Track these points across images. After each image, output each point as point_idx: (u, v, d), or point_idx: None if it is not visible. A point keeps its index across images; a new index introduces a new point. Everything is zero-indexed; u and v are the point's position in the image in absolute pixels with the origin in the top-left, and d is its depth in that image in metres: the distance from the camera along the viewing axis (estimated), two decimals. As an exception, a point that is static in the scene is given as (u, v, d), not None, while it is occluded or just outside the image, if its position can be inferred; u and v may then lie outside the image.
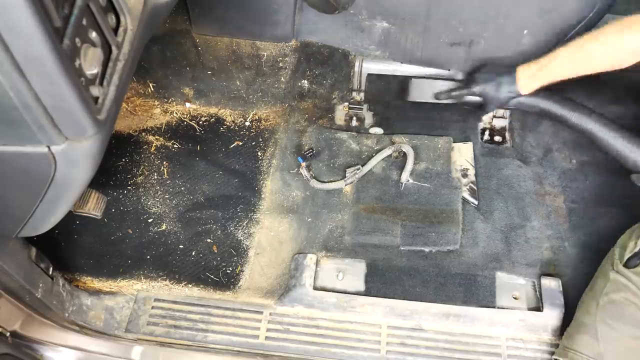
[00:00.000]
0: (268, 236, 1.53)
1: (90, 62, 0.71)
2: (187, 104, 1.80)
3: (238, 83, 1.78)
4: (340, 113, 1.77)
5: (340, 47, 1.73)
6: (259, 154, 1.70)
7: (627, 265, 1.19)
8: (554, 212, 1.55)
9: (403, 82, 1.71)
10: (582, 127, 1.36)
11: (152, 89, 1.79)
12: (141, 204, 1.57)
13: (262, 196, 1.60)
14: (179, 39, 1.71)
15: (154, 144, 1.70)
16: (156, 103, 1.80)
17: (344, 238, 1.49)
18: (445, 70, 1.73)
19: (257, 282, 1.45)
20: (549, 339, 1.35)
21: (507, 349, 1.34)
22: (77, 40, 0.68)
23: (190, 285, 1.43)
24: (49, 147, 0.75)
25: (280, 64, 1.75)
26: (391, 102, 1.76)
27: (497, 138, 1.71)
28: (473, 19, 1.55)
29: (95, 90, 0.74)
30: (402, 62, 1.74)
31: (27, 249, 1.18)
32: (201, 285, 1.43)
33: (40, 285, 1.20)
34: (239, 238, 1.52)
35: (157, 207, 1.57)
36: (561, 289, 1.38)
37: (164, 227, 1.53)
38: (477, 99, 1.49)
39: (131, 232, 1.52)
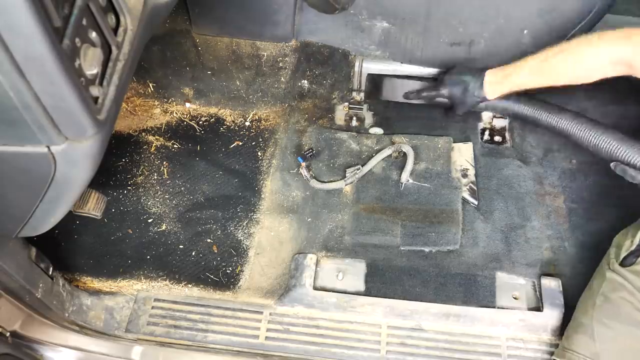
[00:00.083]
0: (268, 236, 1.53)
1: (90, 62, 0.71)
2: (187, 104, 1.80)
3: (238, 83, 1.78)
4: (340, 113, 1.77)
5: (340, 47, 1.73)
6: (259, 154, 1.70)
7: (623, 263, 1.19)
8: (554, 212, 1.55)
9: (377, 81, 1.71)
10: (554, 126, 1.37)
11: (152, 89, 1.79)
12: (141, 204, 1.57)
13: (262, 196, 1.60)
14: (179, 39, 1.71)
15: (154, 144, 1.70)
16: (156, 103, 1.80)
17: (344, 238, 1.49)
18: (445, 70, 1.72)
19: (257, 282, 1.45)
20: (549, 339, 1.35)
21: (507, 349, 1.34)
22: (77, 40, 0.68)
23: (190, 285, 1.44)
24: (48, 147, 0.75)
25: (280, 64, 1.75)
26: (391, 102, 1.76)
27: (497, 138, 1.71)
28: (473, 19, 1.55)
29: (95, 90, 0.74)
30: (402, 62, 1.74)
31: (27, 249, 1.18)
32: (201, 285, 1.43)
33: (40, 285, 1.20)
34: (239, 238, 1.52)
35: (157, 207, 1.57)
36: (561, 289, 1.38)
37: (164, 227, 1.53)
38: (446, 100, 1.51)
39: (131, 232, 1.52)
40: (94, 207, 1.26)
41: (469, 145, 1.66)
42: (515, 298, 1.40)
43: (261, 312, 1.39)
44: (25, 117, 0.68)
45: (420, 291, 1.40)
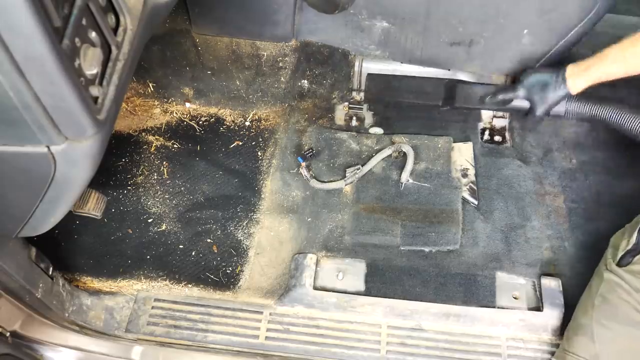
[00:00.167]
0: (268, 236, 1.53)
1: (90, 62, 0.71)
2: (187, 104, 1.80)
3: (238, 83, 1.78)
4: (340, 113, 1.77)
5: (340, 47, 1.73)
6: (259, 154, 1.70)
7: (619, 263, 1.19)
8: (554, 212, 1.55)
9: (450, 88, 1.68)
10: None
11: (152, 89, 1.79)
12: (141, 204, 1.57)
13: (262, 196, 1.60)
14: (179, 39, 1.71)
15: (154, 144, 1.70)
16: (156, 103, 1.80)
17: (344, 238, 1.49)
18: (446, 69, 1.73)
19: (257, 282, 1.45)
20: (549, 338, 1.35)
21: (507, 348, 1.34)
22: (76, 40, 0.68)
23: (190, 285, 1.43)
24: (48, 147, 0.75)
25: (280, 64, 1.75)
26: (391, 102, 1.76)
27: (497, 138, 1.71)
28: (473, 18, 1.55)
29: (95, 90, 0.74)
30: (402, 62, 1.74)
31: (27, 249, 1.18)
32: (201, 285, 1.43)
33: (40, 285, 1.20)
34: (239, 238, 1.52)
35: (157, 207, 1.57)
36: (561, 288, 1.38)
37: (164, 227, 1.53)
38: (524, 104, 1.45)
39: (131, 232, 1.52)
40: (94, 207, 1.26)
41: (469, 145, 1.66)
42: (515, 298, 1.40)
43: (261, 312, 1.39)
44: (25, 117, 0.68)
45: (420, 291, 1.40)
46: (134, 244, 1.50)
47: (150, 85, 1.78)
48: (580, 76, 1.31)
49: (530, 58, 1.61)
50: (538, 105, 1.41)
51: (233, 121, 1.78)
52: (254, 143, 1.72)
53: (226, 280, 1.44)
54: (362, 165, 1.58)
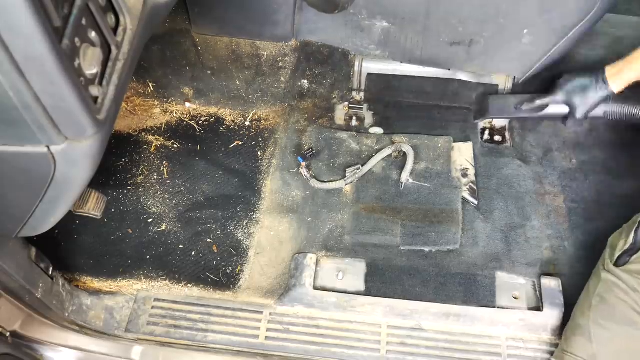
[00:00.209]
0: (268, 236, 1.53)
1: (90, 62, 0.71)
2: (187, 104, 1.80)
3: (238, 83, 1.78)
4: (340, 113, 1.77)
5: (340, 47, 1.73)
6: (259, 153, 1.70)
7: (617, 263, 1.19)
8: (554, 212, 1.55)
9: (481, 101, 1.69)
10: None
11: (152, 89, 1.79)
12: (141, 204, 1.57)
13: (262, 196, 1.60)
14: (179, 39, 1.71)
15: (154, 144, 1.70)
16: (156, 103, 1.80)
17: (344, 238, 1.49)
18: (446, 69, 1.73)
19: (257, 282, 1.45)
20: (549, 338, 1.35)
21: (507, 348, 1.34)
22: (76, 40, 0.68)
23: (190, 285, 1.43)
24: (48, 147, 0.75)
25: (280, 64, 1.75)
26: (391, 102, 1.76)
27: (497, 138, 1.71)
28: (473, 18, 1.55)
29: (94, 90, 0.74)
30: (402, 62, 1.74)
31: (27, 249, 1.18)
32: (201, 285, 1.43)
33: (40, 285, 1.20)
34: (239, 238, 1.52)
35: (157, 207, 1.57)
36: (561, 288, 1.38)
37: (164, 227, 1.53)
38: (561, 109, 1.44)
39: (131, 232, 1.52)
40: (94, 207, 1.26)
41: (469, 144, 1.65)
42: (515, 298, 1.40)
43: (261, 312, 1.39)
44: (25, 117, 0.68)
45: (420, 291, 1.40)
46: (134, 244, 1.50)
47: (150, 85, 1.78)
48: (620, 73, 1.31)
49: (530, 58, 1.61)
50: (579, 107, 1.40)
51: (233, 121, 1.78)
52: (254, 143, 1.72)
53: (226, 280, 1.44)
54: (362, 165, 1.58)
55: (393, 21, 1.61)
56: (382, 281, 1.41)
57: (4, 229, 0.99)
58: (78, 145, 0.76)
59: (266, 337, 1.36)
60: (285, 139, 1.71)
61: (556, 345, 1.31)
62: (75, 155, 0.77)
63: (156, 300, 1.41)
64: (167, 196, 1.59)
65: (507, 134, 1.71)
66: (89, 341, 1.32)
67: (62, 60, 0.63)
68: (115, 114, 0.83)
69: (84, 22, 0.70)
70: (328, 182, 1.58)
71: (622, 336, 1.14)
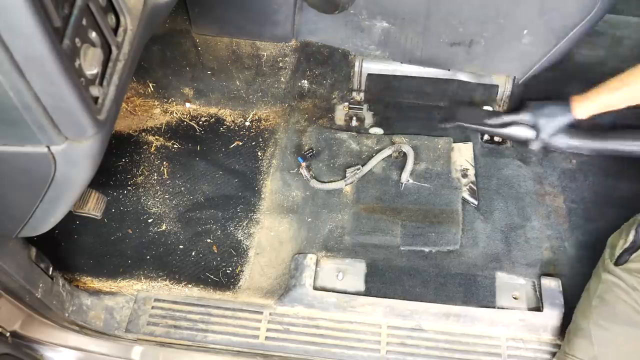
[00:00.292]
0: (268, 236, 1.53)
1: (90, 62, 0.71)
2: (187, 104, 1.80)
3: (238, 83, 1.78)
4: (340, 113, 1.77)
5: (340, 47, 1.73)
6: (259, 154, 1.70)
7: (617, 262, 1.19)
8: (554, 212, 1.55)
9: (450, 107, 1.70)
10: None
11: (152, 89, 1.79)
12: (141, 204, 1.57)
13: (262, 196, 1.60)
14: (179, 39, 1.71)
15: (154, 144, 1.70)
16: (156, 103, 1.80)
17: (344, 238, 1.49)
18: (446, 70, 1.73)
19: (257, 282, 1.45)
20: (549, 339, 1.35)
21: (507, 349, 1.34)
22: (77, 40, 0.68)
23: (190, 285, 1.43)
24: (48, 147, 0.75)
25: (280, 64, 1.75)
26: (391, 102, 1.76)
27: (497, 138, 1.71)
28: (473, 18, 1.55)
29: (95, 90, 0.74)
30: (402, 62, 1.74)
31: (27, 249, 1.18)
32: (201, 285, 1.43)
33: (40, 285, 1.20)
34: (239, 238, 1.52)
35: (157, 207, 1.57)
36: (561, 289, 1.38)
37: (164, 227, 1.53)
38: (524, 133, 1.42)
39: (131, 232, 1.52)
40: (94, 207, 1.26)
41: (469, 145, 1.66)
42: (515, 298, 1.40)
43: (261, 312, 1.39)
44: (25, 117, 0.68)
45: (420, 291, 1.40)
46: (134, 244, 1.50)
47: (150, 85, 1.78)
48: (584, 104, 1.33)
49: (531, 58, 1.61)
50: (543, 129, 1.41)
51: (233, 121, 1.78)
52: (254, 143, 1.72)
53: (226, 280, 1.44)
54: (362, 166, 1.58)
55: (393, 21, 1.61)
56: (382, 281, 1.41)
57: (4, 229, 0.99)
58: (78, 145, 0.76)
59: (266, 338, 1.36)
60: (285, 139, 1.71)
61: (556, 346, 1.31)
62: (76, 156, 0.77)
63: (156, 300, 1.41)
64: (167, 196, 1.59)
65: (507, 134, 1.71)
66: (89, 341, 1.32)
67: (62, 61, 0.63)
68: (115, 114, 0.83)
69: (84, 22, 0.70)
70: (328, 182, 1.58)
71: (624, 337, 1.14)
